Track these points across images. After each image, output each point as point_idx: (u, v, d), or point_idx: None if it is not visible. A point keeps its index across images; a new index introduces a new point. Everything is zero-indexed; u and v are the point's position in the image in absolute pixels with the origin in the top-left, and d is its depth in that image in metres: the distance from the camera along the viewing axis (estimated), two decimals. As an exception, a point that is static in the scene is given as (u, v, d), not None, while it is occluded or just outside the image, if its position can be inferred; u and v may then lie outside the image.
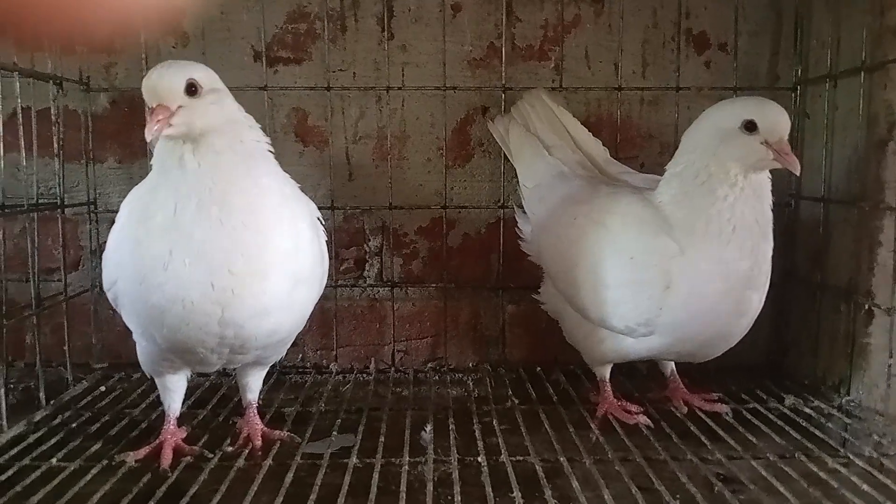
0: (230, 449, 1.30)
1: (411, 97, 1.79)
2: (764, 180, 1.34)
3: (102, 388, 1.64)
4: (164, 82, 1.12)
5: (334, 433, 1.38)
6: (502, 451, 1.28)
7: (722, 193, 1.31)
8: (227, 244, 1.12)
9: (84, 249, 1.79)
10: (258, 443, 1.32)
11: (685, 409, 1.48)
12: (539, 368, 1.78)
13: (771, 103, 1.33)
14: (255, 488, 1.14)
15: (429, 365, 1.85)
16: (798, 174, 1.31)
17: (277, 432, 1.36)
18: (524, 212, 1.67)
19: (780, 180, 1.35)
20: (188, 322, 1.15)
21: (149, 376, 1.37)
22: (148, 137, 1.10)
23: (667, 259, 1.34)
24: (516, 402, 1.56)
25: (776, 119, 1.30)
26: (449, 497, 1.13)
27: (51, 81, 1.60)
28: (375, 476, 1.18)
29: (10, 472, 1.20)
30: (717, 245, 1.31)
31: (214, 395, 1.59)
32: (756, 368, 1.75)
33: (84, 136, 1.75)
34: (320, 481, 1.16)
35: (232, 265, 1.13)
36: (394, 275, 1.84)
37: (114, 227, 1.26)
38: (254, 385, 1.39)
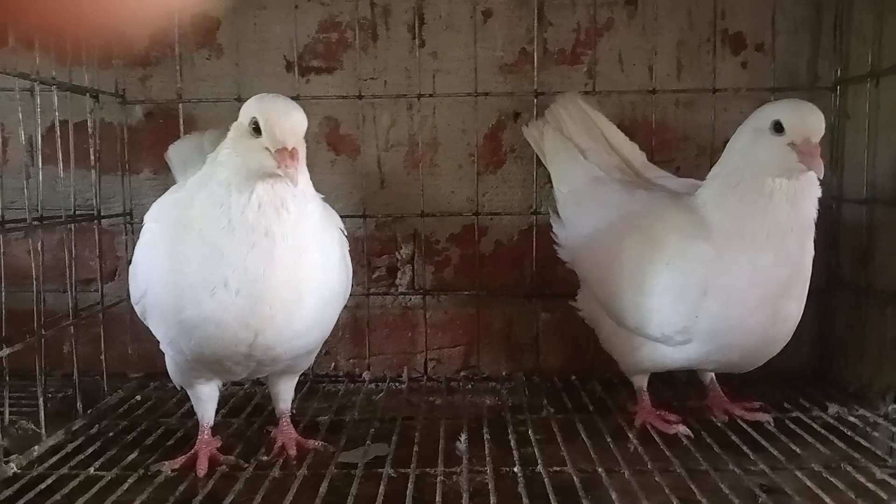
0: (265, 458, 1.30)
1: (442, 104, 1.78)
2: (802, 187, 1.28)
3: (138, 398, 1.65)
4: (304, 126, 1.11)
5: (368, 442, 1.37)
6: (538, 462, 1.26)
7: (753, 198, 1.28)
8: (277, 275, 1.12)
9: (120, 260, 1.82)
10: (293, 452, 1.32)
11: (725, 419, 1.45)
12: (574, 377, 1.75)
13: (801, 104, 1.29)
14: (291, 498, 1.13)
15: (462, 373, 1.83)
16: (821, 177, 1.26)
17: (312, 441, 1.36)
18: (559, 216, 1.65)
19: (822, 182, 1.30)
20: (218, 341, 1.15)
21: (179, 388, 1.38)
22: (296, 184, 1.07)
23: (704, 265, 1.31)
24: (552, 411, 1.53)
25: (802, 118, 1.26)
26: (485, 508, 1.11)
27: (87, 94, 1.62)
28: (410, 486, 1.17)
29: (49, 481, 1.21)
30: (751, 251, 1.28)
31: (248, 403, 1.59)
32: (799, 376, 1.70)
33: (120, 148, 1.78)
34: (355, 491, 1.15)
35: (278, 295, 1.13)
36: (426, 283, 1.83)
37: (141, 240, 1.26)
38: (286, 394, 1.39)
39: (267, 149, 1.09)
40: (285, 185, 1.11)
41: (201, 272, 1.12)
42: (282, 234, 1.11)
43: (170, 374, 1.33)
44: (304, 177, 1.15)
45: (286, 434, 1.35)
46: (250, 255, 1.10)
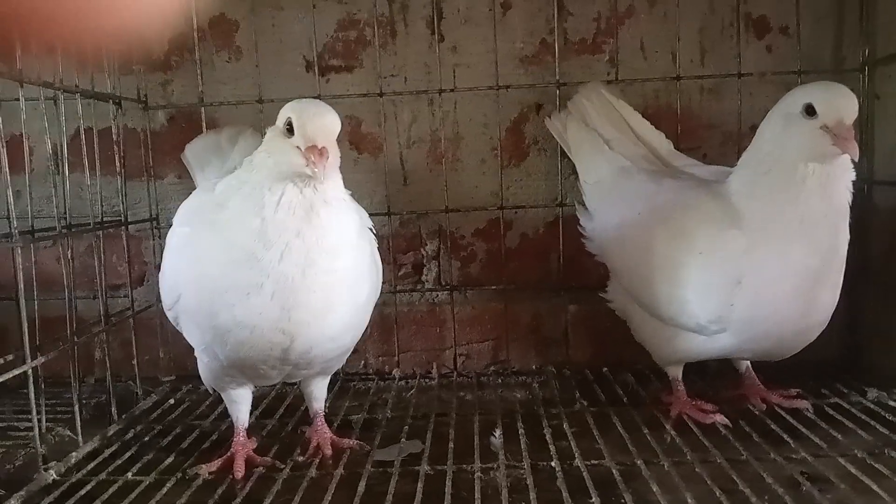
0: (301, 458, 1.30)
1: (464, 98, 1.77)
2: (835, 172, 1.25)
3: (171, 401, 1.66)
4: (335, 127, 1.13)
5: (402, 439, 1.37)
6: (575, 455, 1.25)
7: (785, 184, 1.26)
8: (312, 280, 1.11)
9: (148, 265, 1.82)
10: (328, 452, 1.32)
11: (763, 407, 1.43)
12: (605, 369, 1.74)
13: (833, 86, 1.26)
14: (329, 498, 1.13)
15: (491, 368, 1.83)
16: (856, 159, 1.23)
17: (346, 440, 1.35)
18: (586, 208, 1.63)
19: (854, 165, 1.28)
20: (252, 346, 1.15)
21: (211, 390, 1.38)
22: (321, 182, 1.09)
23: (737, 254, 1.29)
24: (585, 403, 1.52)
25: (835, 101, 1.23)
26: None
27: (110, 101, 1.62)
28: (448, 483, 1.16)
29: (88, 487, 1.22)
30: (785, 239, 1.26)
31: (281, 404, 1.59)
32: (833, 363, 1.67)
33: (144, 154, 1.78)
34: (393, 489, 1.15)
35: (313, 303, 1.13)
36: (452, 278, 1.82)
37: (170, 244, 1.27)
38: (318, 394, 1.39)
39: (298, 148, 1.09)
40: (314, 190, 1.11)
41: (234, 275, 1.12)
42: (314, 237, 1.11)
43: (202, 378, 1.33)
44: (335, 180, 1.16)
45: (321, 434, 1.35)
46: (284, 258, 1.10)
